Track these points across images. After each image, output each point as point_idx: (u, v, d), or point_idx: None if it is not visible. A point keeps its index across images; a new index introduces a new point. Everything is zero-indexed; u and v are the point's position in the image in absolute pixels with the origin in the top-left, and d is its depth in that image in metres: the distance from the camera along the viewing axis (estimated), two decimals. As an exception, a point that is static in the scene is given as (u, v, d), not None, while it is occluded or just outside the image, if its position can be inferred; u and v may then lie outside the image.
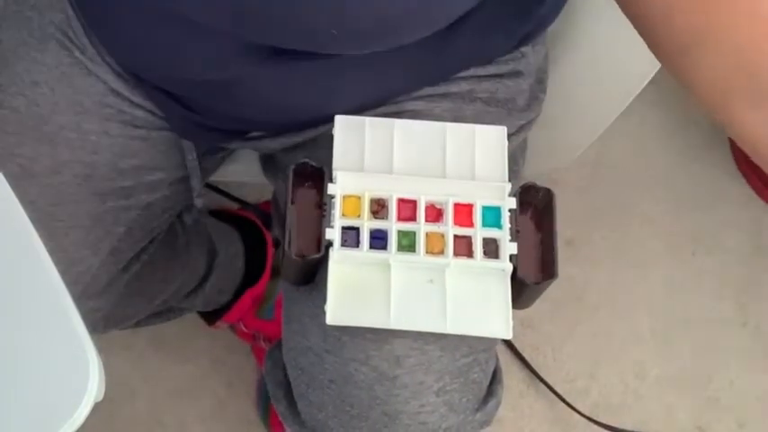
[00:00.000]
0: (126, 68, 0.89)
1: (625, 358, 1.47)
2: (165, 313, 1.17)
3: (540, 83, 0.98)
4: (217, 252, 1.21)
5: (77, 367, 0.59)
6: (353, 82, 0.86)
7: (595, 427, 1.41)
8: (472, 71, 0.91)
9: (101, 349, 0.61)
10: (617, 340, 1.49)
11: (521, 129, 0.95)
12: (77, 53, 0.89)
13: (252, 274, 1.33)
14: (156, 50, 0.82)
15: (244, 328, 1.36)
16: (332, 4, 0.69)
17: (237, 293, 1.32)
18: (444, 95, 0.90)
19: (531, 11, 0.90)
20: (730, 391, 1.45)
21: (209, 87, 0.86)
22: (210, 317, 1.35)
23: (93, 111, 0.89)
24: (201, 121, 0.91)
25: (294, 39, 0.75)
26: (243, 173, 1.14)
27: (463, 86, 0.91)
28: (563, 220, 1.43)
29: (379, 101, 0.89)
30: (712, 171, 1.58)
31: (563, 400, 1.40)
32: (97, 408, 0.59)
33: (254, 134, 0.96)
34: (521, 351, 1.47)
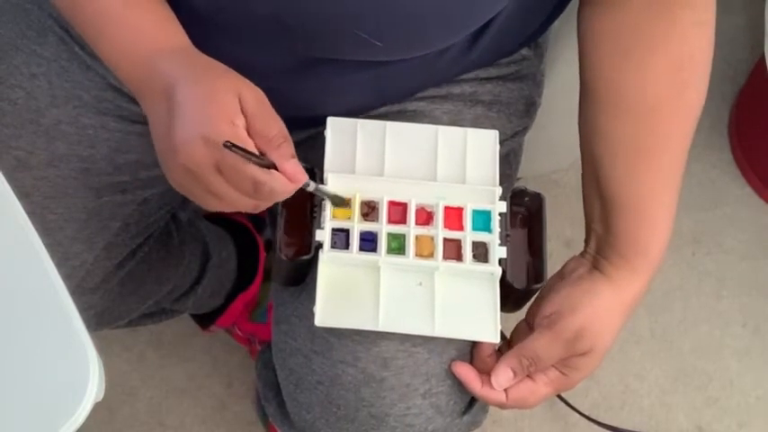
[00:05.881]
0: None
1: (625, 358, 1.46)
2: (157, 314, 1.17)
3: (538, 86, 0.99)
4: (210, 254, 1.21)
5: (77, 367, 0.60)
6: (369, 81, 0.86)
7: (595, 426, 1.41)
8: (474, 73, 0.92)
9: (101, 349, 0.62)
10: (617, 340, 1.47)
11: (516, 134, 0.95)
12: (76, 48, 0.89)
13: (244, 279, 1.33)
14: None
15: (239, 332, 1.36)
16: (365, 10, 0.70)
17: (229, 298, 1.32)
18: (446, 97, 0.91)
19: (540, 12, 0.90)
20: (730, 390, 1.45)
21: None
22: (204, 321, 1.35)
23: (91, 105, 0.89)
24: None
25: (322, 47, 0.76)
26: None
27: (465, 88, 0.91)
28: (563, 221, 1.44)
29: (389, 99, 0.90)
30: (712, 171, 1.57)
31: (563, 400, 1.39)
32: (97, 408, 0.60)
33: None
34: (520, 350, 1.47)
